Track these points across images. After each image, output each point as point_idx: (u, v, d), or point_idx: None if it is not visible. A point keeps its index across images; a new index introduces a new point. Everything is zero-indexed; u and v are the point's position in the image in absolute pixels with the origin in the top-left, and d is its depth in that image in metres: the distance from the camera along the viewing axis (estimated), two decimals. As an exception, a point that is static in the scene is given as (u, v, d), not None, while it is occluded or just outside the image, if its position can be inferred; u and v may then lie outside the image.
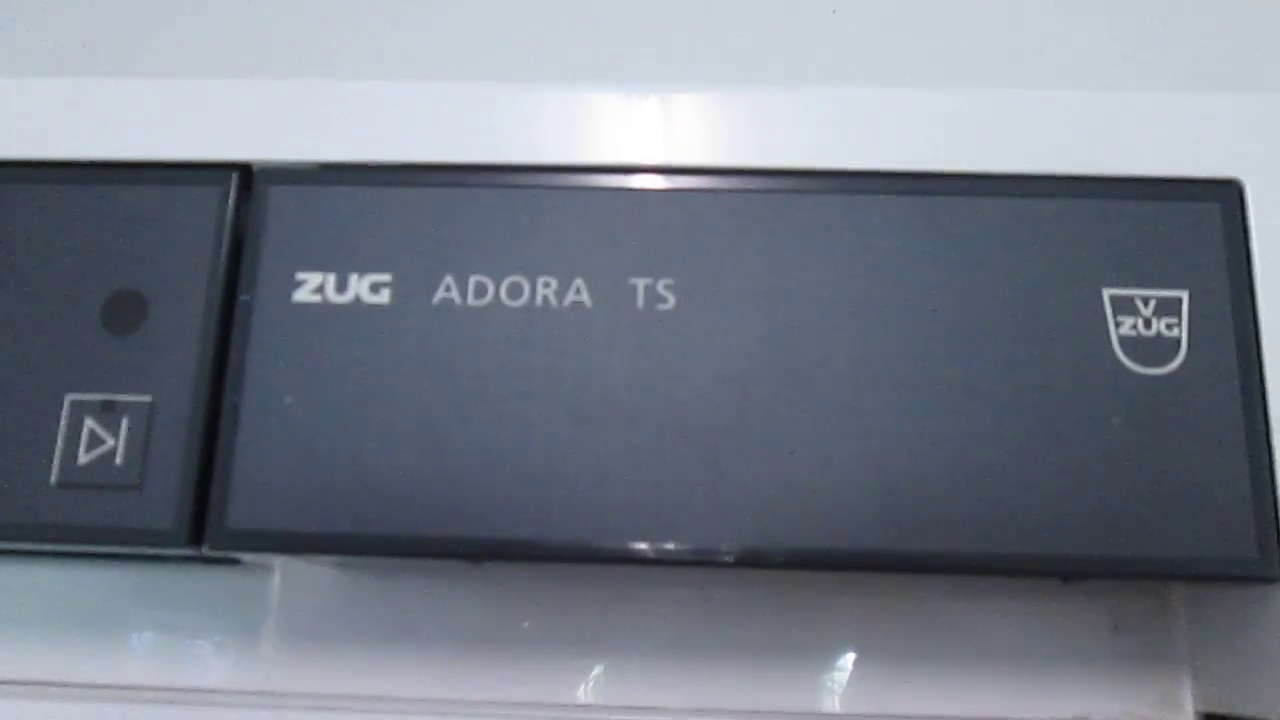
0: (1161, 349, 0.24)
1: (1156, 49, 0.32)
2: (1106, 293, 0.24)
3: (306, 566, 0.29)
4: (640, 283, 0.24)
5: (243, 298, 0.25)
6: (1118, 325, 0.24)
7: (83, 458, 0.24)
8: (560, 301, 0.24)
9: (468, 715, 0.27)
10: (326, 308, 0.25)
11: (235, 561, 0.28)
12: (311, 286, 0.25)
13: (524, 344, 0.24)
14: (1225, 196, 0.25)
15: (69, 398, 0.24)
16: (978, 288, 0.24)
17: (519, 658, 0.29)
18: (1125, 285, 0.24)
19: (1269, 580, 0.23)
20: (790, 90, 0.26)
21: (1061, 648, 0.28)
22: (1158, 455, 0.23)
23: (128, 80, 0.27)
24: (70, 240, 0.25)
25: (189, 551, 0.24)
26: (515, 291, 0.25)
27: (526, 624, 0.29)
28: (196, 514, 0.24)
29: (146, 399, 0.24)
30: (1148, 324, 0.24)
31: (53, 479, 0.24)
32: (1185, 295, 0.24)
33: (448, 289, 0.25)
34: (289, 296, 0.25)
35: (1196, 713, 0.27)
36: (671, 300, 0.24)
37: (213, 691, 0.28)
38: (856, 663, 0.28)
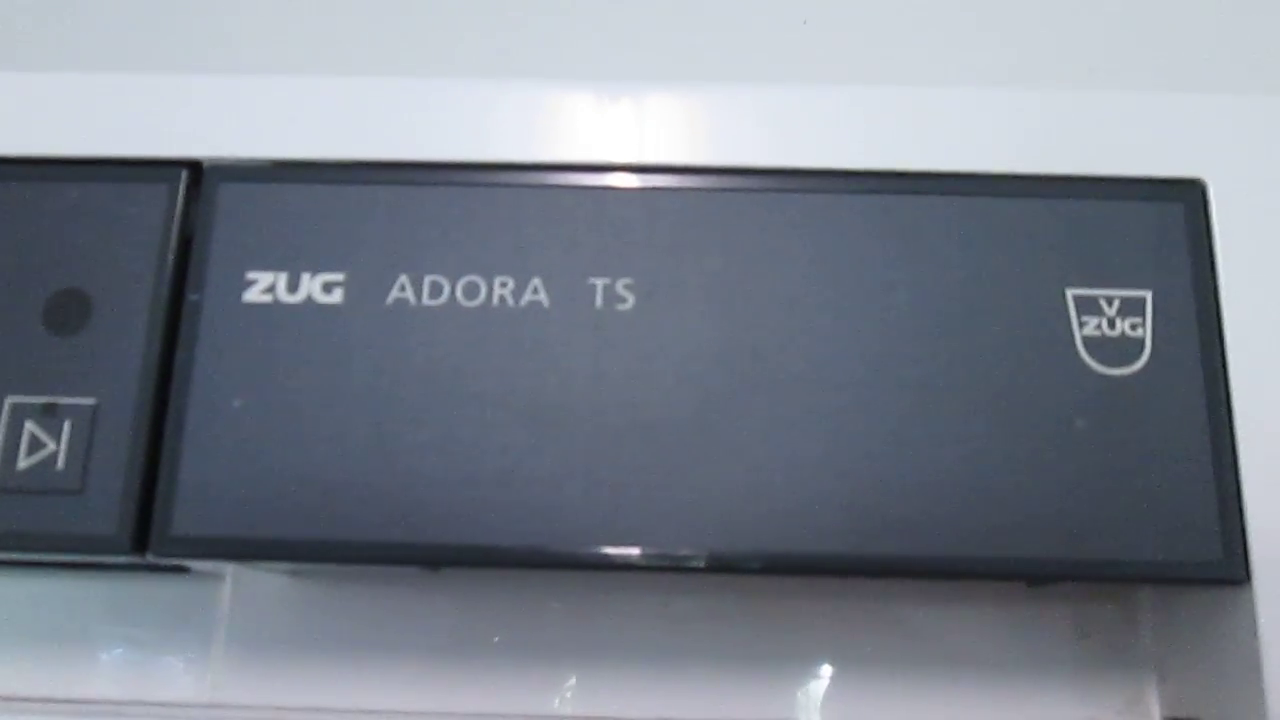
0: (1126, 349, 0.23)
1: (1121, 48, 0.32)
2: (1070, 293, 0.24)
3: (258, 574, 0.29)
4: (599, 282, 0.24)
5: (191, 297, 0.24)
6: (1081, 325, 0.24)
7: (22, 462, 0.23)
8: (517, 301, 0.24)
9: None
10: (277, 308, 0.24)
11: (183, 569, 0.27)
12: (262, 286, 0.24)
13: (480, 345, 0.24)
14: (1189, 196, 0.25)
15: (9, 400, 0.24)
16: (940, 288, 0.24)
17: (480, 667, 0.28)
18: (1089, 285, 0.24)
19: (1234, 582, 0.23)
20: (750, 88, 0.26)
21: (1027, 654, 0.28)
22: (1122, 456, 0.23)
23: (74, 75, 0.26)
24: (12, 238, 0.25)
25: (133, 559, 0.23)
26: (471, 291, 0.24)
27: (490, 633, 0.28)
28: (141, 520, 0.23)
29: (90, 401, 0.24)
30: (1112, 324, 0.24)
31: (-10, 483, 0.23)
32: (1149, 295, 0.24)
33: (402, 289, 0.24)
34: (239, 296, 0.24)
35: (1163, 717, 0.27)
36: (631, 300, 0.24)
37: (160, 705, 0.28)
38: (822, 671, 0.28)
